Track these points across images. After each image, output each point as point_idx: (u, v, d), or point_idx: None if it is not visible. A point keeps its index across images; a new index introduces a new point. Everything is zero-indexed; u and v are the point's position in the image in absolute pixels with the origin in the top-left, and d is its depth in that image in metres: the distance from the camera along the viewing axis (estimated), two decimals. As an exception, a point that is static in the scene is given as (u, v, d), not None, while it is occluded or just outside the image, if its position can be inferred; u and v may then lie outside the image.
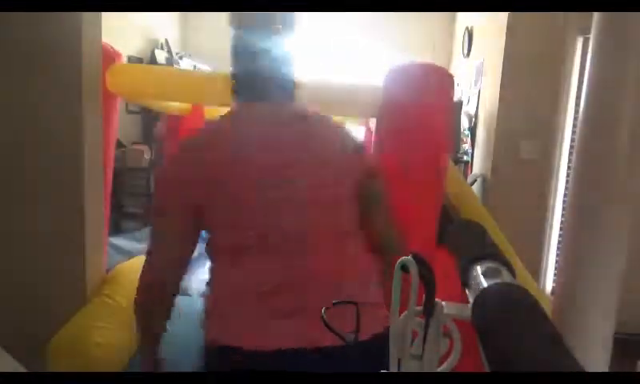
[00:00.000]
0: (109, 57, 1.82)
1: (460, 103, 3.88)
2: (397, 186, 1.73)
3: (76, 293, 1.68)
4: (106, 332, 1.57)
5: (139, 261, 2.01)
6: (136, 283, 1.86)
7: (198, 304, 1.96)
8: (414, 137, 1.66)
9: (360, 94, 1.83)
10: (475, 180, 3.50)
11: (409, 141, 1.67)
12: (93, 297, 1.71)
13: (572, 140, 2.97)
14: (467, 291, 0.53)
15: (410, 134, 1.66)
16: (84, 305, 1.67)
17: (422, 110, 1.65)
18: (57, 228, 1.65)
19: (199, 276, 2.31)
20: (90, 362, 1.49)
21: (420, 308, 0.58)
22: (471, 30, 4.20)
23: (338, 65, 5.06)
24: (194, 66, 4.47)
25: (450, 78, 1.73)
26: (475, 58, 3.94)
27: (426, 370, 0.57)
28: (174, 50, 4.51)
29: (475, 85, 3.82)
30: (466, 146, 3.82)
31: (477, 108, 3.71)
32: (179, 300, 1.98)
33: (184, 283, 2.14)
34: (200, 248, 3.13)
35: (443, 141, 1.74)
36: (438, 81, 1.69)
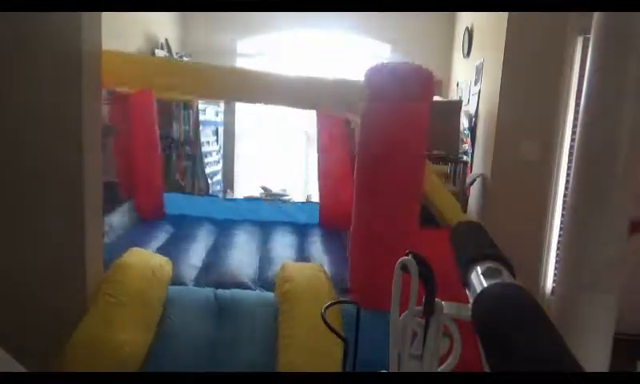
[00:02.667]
0: None
1: (460, 103, 3.87)
2: (381, 176, 1.84)
3: (76, 292, 1.68)
4: (124, 332, 1.58)
5: (135, 255, 2.01)
6: (136, 280, 1.85)
7: (195, 293, 1.96)
8: (396, 131, 1.80)
9: (344, 90, 1.97)
10: (475, 180, 3.50)
11: (391, 135, 1.81)
12: (94, 296, 1.71)
13: (572, 140, 2.97)
14: (467, 291, 0.53)
15: (392, 128, 1.80)
16: (84, 304, 1.67)
17: (402, 106, 1.79)
18: (57, 227, 1.65)
19: (191, 264, 2.31)
20: (113, 361, 1.50)
21: (420, 308, 0.58)
22: (471, 30, 4.19)
23: (336, 64, 5.06)
24: (194, 66, 4.47)
25: (430, 76, 1.86)
26: (475, 58, 3.94)
27: (425, 370, 0.57)
28: (174, 50, 4.51)
29: (475, 85, 3.82)
30: (466, 146, 3.81)
31: (477, 108, 3.71)
32: (177, 290, 1.98)
33: (179, 273, 2.14)
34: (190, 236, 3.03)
35: (421, 134, 1.89)
36: (418, 79, 1.84)
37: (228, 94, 2.12)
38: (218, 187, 4.85)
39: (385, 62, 1.91)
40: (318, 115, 3.11)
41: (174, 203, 3.22)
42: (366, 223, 1.93)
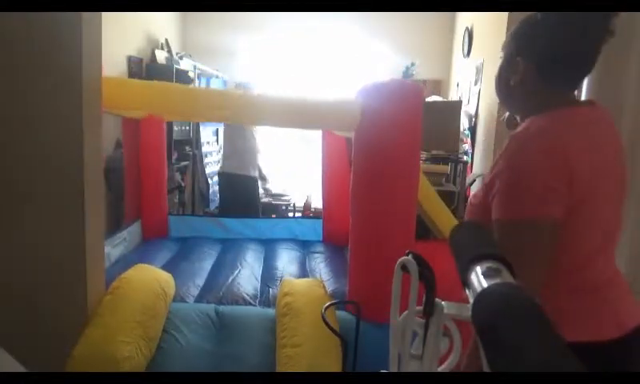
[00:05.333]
0: None
1: (460, 103, 3.88)
2: (376, 193, 1.87)
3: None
4: (129, 346, 1.58)
5: (141, 270, 2.00)
6: (141, 295, 1.83)
7: (196, 309, 1.95)
8: (389, 148, 1.84)
9: (339, 109, 2.00)
10: (475, 180, 3.50)
11: (384, 151, 1.85)
12: (96, 307, 1.70)
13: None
14: (467, 291, 0.53)
15: (385, 145, 1.85)
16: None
17: (394, 123, 1.84)
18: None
19: (193, 282, 2.30)
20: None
21: (420, 308, 0.58)
22: (471, 30, 4.20)
23: (337, 64, 5.06)
24: (194, 66, 4.47)
25: (420, 91, 1.95)
26: (475, 58, 3.94)
27: (425, 370, 0.57)
28: (174, 50, 4.51)
29: (475, 85, 3.82)
30: (466, 146, 3.81)
31: (477, 108, 3.71)
32: (180, 307, 1.97)
33: (180, 291, 2.14)
34: (190, 253, 3.03)
35: (414, 149, 1.94)
36: (409, 95, 1.89)
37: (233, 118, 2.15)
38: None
39: (377, 80, 1.97)
40: (323, 134, 3.13)
41: (177, 225, 3.25)
42: (362, 238, 1.97)
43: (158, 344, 1.74)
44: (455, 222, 2.42)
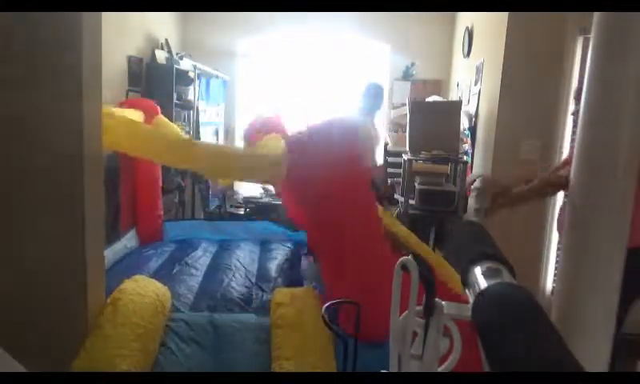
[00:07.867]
0: None
1: (460, 103, 3.88)
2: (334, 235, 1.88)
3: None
4: (128, 360, 1.58)
5: (138, 282, 1.99)
6: (141, 308, 1.83)
7: (190, 318, 1.94)
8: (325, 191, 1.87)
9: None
10: (474, 180, 3.50)
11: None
12: (96, 319, 1.70)
13: (572, 140, 2.96)
14: (467, 291, 0.53)
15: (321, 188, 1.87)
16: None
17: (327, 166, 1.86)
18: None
19: (188, 288, 2.29)
20: None
21: (420, 308, 0.58)
22: (471, 29, 4.19)
23: (337, 64, 5.06)
24: (194, 66, 4.47)
25: (353, 129, 2.05)
26: (475, 58, 3.94)
27: (425, 370, 0.57)
28: (174, 50, 4.51)
29: (475, 85, 3.82)
30: (466, 146, 3.81)
31: (477, 108, 3.71)
32: (175, 318, 1.95)
33: (176, 299, 2.13)
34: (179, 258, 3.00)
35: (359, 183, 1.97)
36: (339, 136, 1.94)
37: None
38: (219, 187, 4.85)
39: (304, 128, 2.05)
40: None
41: (173, 229, 3.28)
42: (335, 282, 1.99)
43: (154, 357, 1.74)
44: (424, 246, 2.43)
